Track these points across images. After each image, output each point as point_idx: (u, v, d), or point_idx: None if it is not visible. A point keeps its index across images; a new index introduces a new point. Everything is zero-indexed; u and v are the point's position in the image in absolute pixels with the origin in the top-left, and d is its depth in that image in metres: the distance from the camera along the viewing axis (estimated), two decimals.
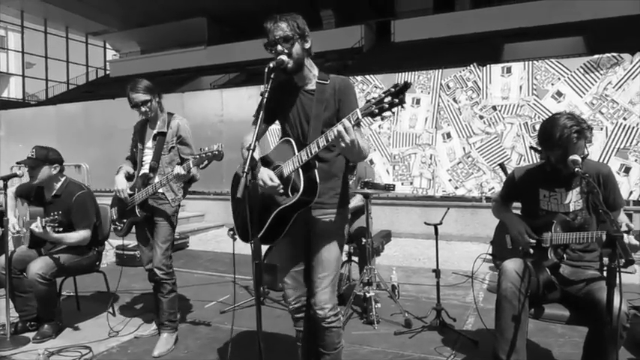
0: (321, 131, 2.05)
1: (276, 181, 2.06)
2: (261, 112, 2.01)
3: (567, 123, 2.32)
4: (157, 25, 27.93)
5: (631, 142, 6.78)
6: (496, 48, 18.08)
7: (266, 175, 2.06)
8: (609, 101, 6.89)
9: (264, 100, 2.02)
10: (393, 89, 1.77)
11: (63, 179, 3.62)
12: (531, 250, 2.48)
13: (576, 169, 2.15)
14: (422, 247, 7.19)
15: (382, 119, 1.90)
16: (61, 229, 3.25)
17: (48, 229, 3.18)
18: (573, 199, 2.46)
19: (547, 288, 2.43)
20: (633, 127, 6.76)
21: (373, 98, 1.80)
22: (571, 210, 2.45)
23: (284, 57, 2.14)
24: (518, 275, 2.28)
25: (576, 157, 2.22)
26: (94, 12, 27.46)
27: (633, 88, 6.76)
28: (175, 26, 27.63)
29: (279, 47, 2.15)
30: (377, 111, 1.79)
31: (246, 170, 1.78)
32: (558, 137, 2.32)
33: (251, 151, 1.87)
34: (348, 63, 19.93)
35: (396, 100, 1.76)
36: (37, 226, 3.18)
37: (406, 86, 1.74)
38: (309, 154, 2.03)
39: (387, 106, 1.77)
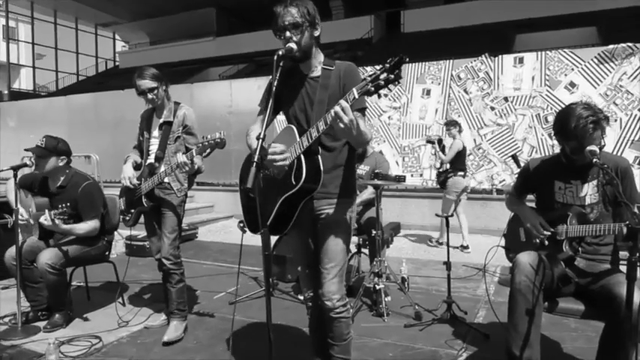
0: None
1: (284, 153, 2.01)
2: (271, 101, 1.97)
3: (583, 113, 2.26)
4: (166, 17, 27.92)
5: None
6: (507, 38, 17.85)
7: (272, 148, 2.00)
8: (624, 92, 6.78)
9: (274, 88, 1.99)
10: (387, 65, 1.73)
11: (68, 170, 3.60)
12: (546, 242, 2.43)
13: (594, 160, 2.09)
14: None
15: (379, 97, 1.86)
16: (70, 221, 3.25)
17: (57, 221, 3.18)
18: (589, 192, 2.40)
19: (561, 281, 2.38)
20: None
21: (369, 76, 1.77)
22: (587, 203, 2.40)
23: (292, 45, 2.08)
24: (533, 268, 2.23)
25: (594, 147, 2.16)
26: (103, 3, 27.49)
27: None
28: (184, 17, 27.60)
29: (288, 34, 2.09)
30: (373, 89, 1.75)
31: (256, 160, 1.74)
32: (574, 127, 2.26)
33: (260, 141, 1.83)
34: (357, 54, 19.78)
35: (392, 76, 1.71)
36: (45, 219, 3.18)
37: (401, 60, 1.70)
38: (310, 139, 1.99)
39: (382, 82, 1.73)
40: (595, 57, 6.93)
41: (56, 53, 33.25)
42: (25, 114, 12.68)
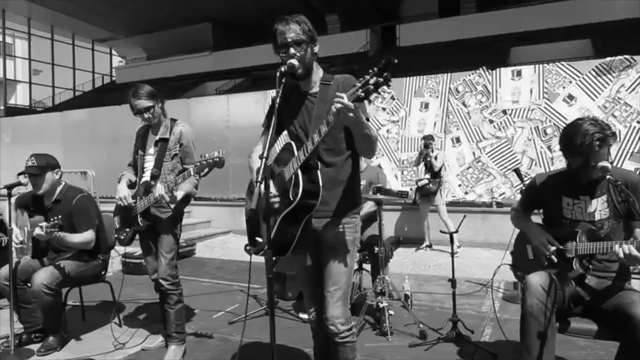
0: None
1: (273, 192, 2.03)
2: (274, 119, 1.92)
3: (590, 129, 2.21)
4: (162, 32, 28.02)
5: None
6: (502, 52, 17.95)
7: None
8: (622, 104, 6.77)
9: (277, 105, 1.94)
10: (376, 68, 1.69)
11: (62, 184, 3.57)
12: (555, 259, 2.37)
13: (608, 177, 2.04)
14: (432, 253, 7.06)
15: (370, 102, 1.83)
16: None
17: (49, 231, 3.09)
18: (599, 208, 2.34)
19: (573, 301, 2.31)
20: None
21: (358, 82, 1.75)
22: (596, 219, 2.34)
23: (295, 61, 2.05)
24: (544, 290, 2.16)
25: (606, 163, 2.11)
26: (99, 19, 27.58)
27: None
28: (181, 32, 27.70)
29: (292, 51, 2.06)
30: (363, 94, 1.72)
31: (259, 180, 1.69)
32: (579, 144, 2.21)
33: (264, 160, 1.77)
34: (353, 67, 19.83)
35: (381, 80, 1.69)
36: (37, 234, 3.10)
37: (389, 63, 1.67)
38: (306, 152, 1.96)
39: (372, 87, 1.70)
40: (593, 69, 6.94)
41: (53, 69, 33.26)
42: (21, 130, 12.60)
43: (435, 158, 6.85)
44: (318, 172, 2.02)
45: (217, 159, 2.70)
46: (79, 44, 34.45)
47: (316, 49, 2.15)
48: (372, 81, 1.70)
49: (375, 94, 1.73)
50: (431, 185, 6.82)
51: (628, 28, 16.36)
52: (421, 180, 6.92)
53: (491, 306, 4.22)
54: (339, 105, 1.76)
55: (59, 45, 33.35)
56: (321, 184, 2.00)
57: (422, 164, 7.01)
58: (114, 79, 33.70)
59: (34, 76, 33.33)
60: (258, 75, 22.36)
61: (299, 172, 1.98)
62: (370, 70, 1.71)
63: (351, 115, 1.77)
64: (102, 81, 35.28)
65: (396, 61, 1.66)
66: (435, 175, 6.90)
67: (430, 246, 7.18)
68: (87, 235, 3.41)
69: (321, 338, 2.37)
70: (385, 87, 1.69)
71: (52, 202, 3.50)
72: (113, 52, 35.79)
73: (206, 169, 2.74)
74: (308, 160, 1.97)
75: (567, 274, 2.32)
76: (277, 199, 2.01)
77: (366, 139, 2.04)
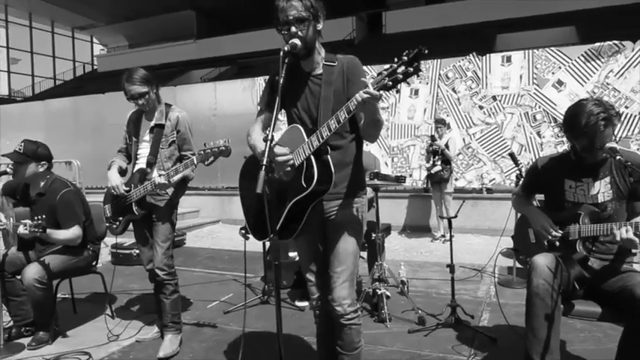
0: (332, 113, 1.89)
1: (288, 154, 1.93)
2: (277, 99, 1.85)
3: (594, 110, 2.18)
4: (144, 19, 27.44)
5: (633, 131, 6.72)
6: (489, 39, 17.97)
7: (278, 149, 1.92)
8: (611, 89, 6.82)
9: (280, 86, 1.87)
10: (405, 57, 1.62)
11: (49, 176, 3.39)
12: (557, 243, 2.36)
13: (618, 158, 2.02)
14: (422, 239, 7.08)
15: (397, 92, 1.76)
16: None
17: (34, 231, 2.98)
18: (602, 190, 2.33)
19: (578, 283, 2.30)
20: (635, 116, 6.69)
21: (385, 70, 1.67)
22: (600, 201, 2.32)
23: (297, 41, 1.98)
24: (551, 271, 2.14)
25: (614, 144, 2.09)
26: (80, 6, 26.90)
27: (635, 76, 6.69)
28: (163, 20, 27.16)
29: (293, 29, 1.99)
30: (390, 83, 1.66)
31: (265, 163, 1.63)
32: (584, 125, 2.19)
33: (269, 143, 1.71)
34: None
35: (411, 69, 1.62)
36: (25, 229, 2.97)
37: (419, 53, 1.60)
38: (321, 139, 1.89)
39: (401, 76, 1.63)
40: (582, 55, 6.96)
41: (32, 57, 32.45)
42: (1, 119, 12.28)
43: (447, 147, 6.64)
44: (330, 157, 1.97)
45: (223, 147, 2.59)
46: (58, 32, 33.64)
47: (320, 26, 2.08)
48: (400, 70, 1.63)
49: (402, 84, 1.66)
50: (444, 172, 6.67)
51: (611, 15, 16.48)
52: (434, 166, 6.71)
53: (486, 291, 4.24)
54: (365, 95, 1.70)
55: (38, 33, 32.51)
56: (333, 169, 1.95)
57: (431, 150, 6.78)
58: (95, 67, 33.01)
59: (12, 65, 32.51)
60: (244, 63, 22.09)
61: (312, 158, 1.91)
62: (397, 59, 1.64)
63: (375, 103, 1.71)
64: (83, 69, 34.57)
65: (426, 51, 1.59)
66: (447, 161, 6.72)
67: (444, 236, 6.91)
68: (73, 232, 3.25)
69: (325, 324, 2.34)
70: (415, 77, 1.63)
71: (36, 194, 3.36)
72: (94, 40, 35.02)
73: (211, 158, 2.64)
74: (320, 145, 1.91)
75: (572, 256, 2.30)
76: (289, 157, 1.93)
77: (375, 124, 1.99)
